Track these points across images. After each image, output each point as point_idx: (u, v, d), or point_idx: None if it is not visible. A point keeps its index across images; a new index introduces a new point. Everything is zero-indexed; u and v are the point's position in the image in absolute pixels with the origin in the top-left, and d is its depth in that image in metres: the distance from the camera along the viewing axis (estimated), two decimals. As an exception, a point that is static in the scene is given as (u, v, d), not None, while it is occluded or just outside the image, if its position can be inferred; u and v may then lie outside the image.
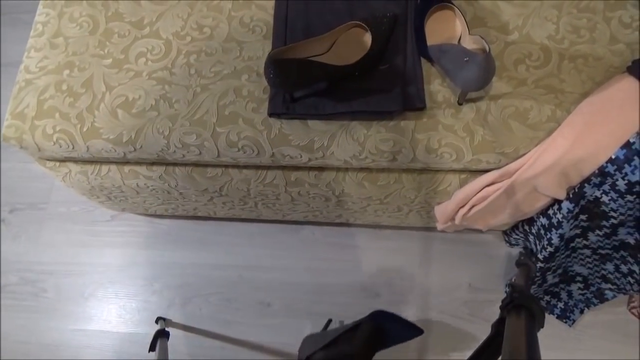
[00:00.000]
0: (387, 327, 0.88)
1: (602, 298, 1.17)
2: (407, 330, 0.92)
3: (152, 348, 1.16)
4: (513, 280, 1.19)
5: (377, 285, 1.32)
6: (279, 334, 1.30)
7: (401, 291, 1.31)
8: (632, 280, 1.05)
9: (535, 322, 0.52)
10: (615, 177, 0.79)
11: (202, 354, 1.31)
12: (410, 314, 1.29)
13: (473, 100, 0.86)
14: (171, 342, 1.23)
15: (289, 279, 1.35)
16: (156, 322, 1.31)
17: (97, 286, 1.40)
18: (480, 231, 1.23)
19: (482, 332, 1.27)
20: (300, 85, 0.85)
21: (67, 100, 0.92)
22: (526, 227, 1.08)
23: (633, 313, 1.23)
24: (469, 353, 0.55)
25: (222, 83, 0.90)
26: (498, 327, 0.50)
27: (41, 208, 1.49)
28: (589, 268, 1.09)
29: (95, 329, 1.36)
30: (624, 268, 1.04)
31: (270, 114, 0.87)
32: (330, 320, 1.17)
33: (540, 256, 1.01)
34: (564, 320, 1.22)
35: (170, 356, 0.92)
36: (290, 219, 1.27)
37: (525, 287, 0.89)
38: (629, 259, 1.00)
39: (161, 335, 1.20)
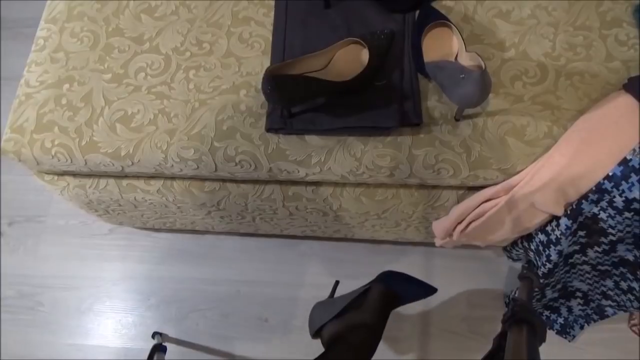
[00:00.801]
0: (397, 288, 0.87)
1: (602, 314, 1.16)
2: (419, 289, 0.90)
3: (149, 362, 1.15)
4: (515, 294, 1.18)
5: (375, 300, 1.31)
6: (276, 350, 1.29)
7: (399, 308, 1.30)
8: (632, 298, 1.04)
9: (536, 337, 0.51)
10: (612, 194, 0.79)
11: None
12: (409, 330, 1.27)
13: (470, 117, 0.86)
14: (167, 358, 1.22)
15: (286, 294, 1.34)
16: (153, 337, 1.30)
17: (94, 300, 1.39)
18: (479, 247, 1.23)
19: (482, 349, 1.25)
20: (297, 101, 0.85)
21: (66, 114, 0.93)
22: (525, 244, 1.08)
23: (634, 331, 1.22)
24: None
25: (220, 98, 0.91)
26: (500, 341, 0.50)
27: (40, 221, 1.49)
28: (588, 284, 1.09)
29: (91, 343, 1.35)
30: (623, 285, 1.03)
31: (268, 129, 0.87)
32: (337, 282, 1.12)
33: (539, 272, 1.01)
34: (564, 336, 1.21)
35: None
36: (288, 234, 1.27)
37: (527, 301, 0.88)
38: (629, 275, 1.00)
39: (157, 350, 1.19)
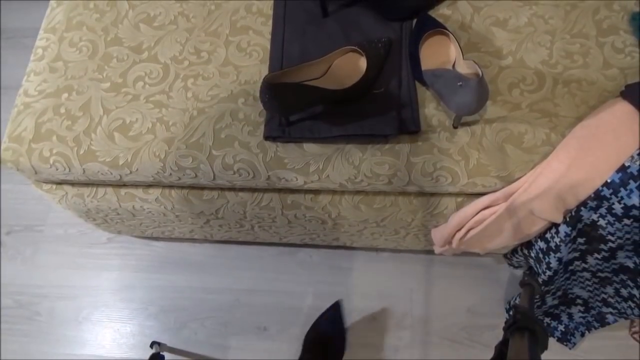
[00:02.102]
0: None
1: (603, 322, 1.15)
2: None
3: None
4: (516, 301, 1.18)
5: (374, 308, 1.31)
6: (275, 357, 1.28)
7: (399, 315, 1.29)
8: (632, 305, 1.04)
9: (538, 344, 0.51)
10: (611, 201, 0.79)
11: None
12: (408, 338, 1.27)
13: (468, 124, 0.86)
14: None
15: (286, 302, 1.33)
16: (151, 346, 1.30)
17: (92, 310, 1.38)
18: (479, 254, 1.22)
19: (483, 357, 1.25)
20: (295, 109, 0.85)
21: (64, 124, 0.93)
22: (525, 251, 1.08)
23: (635, 338, 1.21)
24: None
25: (218, 106, 0.91)
26: (501, 349, 0.49)
27: (38, 230, 1.49)
28: (589, 291, 1.08)
29: (88, 353, 1.34)
30: (624, 292, 1.03)
31: (266, 137, 0.87)
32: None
33: (540, 279, 1.00)
34: (565, 343, 1.20)
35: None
36: (287, 242, 1.27)
37: (528, 308, 0.88)
38: (629, 282, 0.99)
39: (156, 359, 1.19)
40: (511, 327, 0.54)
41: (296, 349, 1.26)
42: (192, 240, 1.37)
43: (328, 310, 1.21)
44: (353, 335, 1.28)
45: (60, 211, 1.47)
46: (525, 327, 0.53)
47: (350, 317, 1.30)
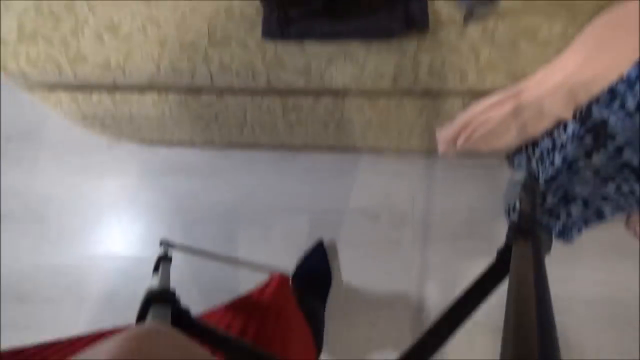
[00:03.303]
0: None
1: (601, 217, 1.17)
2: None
3: (156, 270, 1.19)
4: (516, 204, 1.19)
5: (376, 209, 1.33)
6: (279, 258, 1.33)
7: (401, 214, 1.32)
8: (632, 199, 1.05)
9: (542, 249, 0.51)
10: (625, 97, 0.76)
11: (204, 276, 1.35)
12: (409, 234, 1.31)
13: (479, 18, 0.80)
14: (174, 265, 1.26)
15: (289, 204, 1.36)
16: (160, 245, 1.34)
17: (99, 213, 1.41)
18: (482, 155, 1.22)
19: (481, 250, 1.29)
20: (294, 3, 0.79)
21: (48, 24, 0.87)
22: (530, 150, 1.07)
23: (631, 230, 1.24)
24: (469, 272, 0.54)
25: (212, 3, 0.84)
26: (503, 254, 0.49)
27: (37, 137, 1.47)
28: (590, 189, 1.09)
29: (100, 253, 1.39)
30: (625, 188, 1.03)
31: (264, 35, 0.82)
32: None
33: (541, 179, 1.00)
34: (562, 239, 1.24)
35: (173, 278, 0.94)
36: (289, 146, 1.26)
37: (531, 212, 0.89)
38: (631, 178, 1.00)
39: (164, 258, 1.23)
40: (515, 232, 0.54)
41: (299, 248, 1.31)
42: (193, 144, 1.36)
43: (312, 249, 1.27)
44: (355, 235, 1.32)
45: (57, 118, 1.44)
46: (530, 232, 0.53)
47: (353, 217, 1.33)
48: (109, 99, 0.99)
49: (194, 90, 0.96)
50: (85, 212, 1.42)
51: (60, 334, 0.62)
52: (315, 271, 1.24)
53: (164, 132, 1.19)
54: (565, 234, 1.23)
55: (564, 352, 0.34)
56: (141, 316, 0.42)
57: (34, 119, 1.49)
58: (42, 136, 1.47)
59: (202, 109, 0.98)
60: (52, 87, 0.98)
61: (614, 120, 0.81)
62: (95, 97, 0.99)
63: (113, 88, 0.96)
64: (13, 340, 1.27)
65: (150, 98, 0.98)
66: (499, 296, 0.48)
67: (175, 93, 0.96)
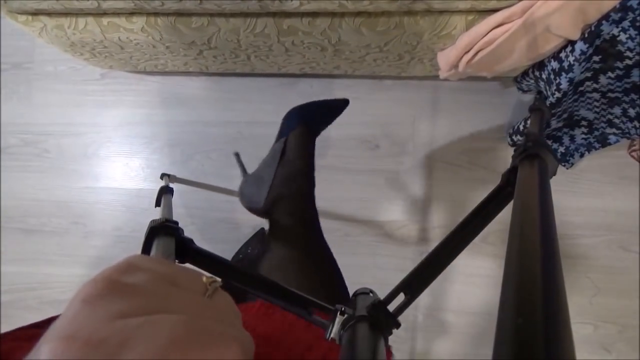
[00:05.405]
0: (308, 121, 0.89)
1: (604, 142, 1.16)
2: (329, 109, 0.97)
3: (157, 203, 1.19)
4: (520, 126, 1.17)
5: (376, 136, 1.31)
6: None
7: (401, 142, 1.31)
8: (637, 124, 1.03)
9: (548, 172, 0.50)
10: (637, 12, 0.72)
11: (207, 207, 1.36)
12: (409, 163, 1.30)
13: None
14: (176, 197, 1.27)
15: (288, 133, 1.34)
16: (161, 177, 1.34)
17: (98, 145, 1.40)
18: (485, 78, 1.18)
19: (480, 180, 1.29)
20: None
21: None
22: (537, 73, 1.03)
23: (633, 156, 1.23)
24: (470, 200, 0.54)
25: None
26: (509, 177, 0.48)
27: (27, 67, 1.43)
28: (595, 112, 1.06)
29: (102, 186, 1.40)
30: (631, 112, 1.01)
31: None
32: (237, 155, 1.19)
33: (548, 102, 0.97)
34: (563, 164, 1.23)
35: (175, 210, 0.95)
36: (286, 72, 1.22)
37: (539, 134, 0.86)
38: (639, 102, 0.97)
39: (165, 191, 1.23)
40: (521, 155, 0.52)
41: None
42: (188, 73, 1.32)
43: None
44: (357, 163, 1.31)
45: (45, 46, 1.39)
46: (536, 154, 0.51)
47: (353, 144, 1.32)
48: (96, 25, 0.95)
49: (184, 14, 0.91)
50: (84, 146, 1.41)
51: (68, 265, 0.63)
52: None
53: (157, 60, 1.15)
54: (567, 159, 1.22)
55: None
56: (146, 248, 0.42)
57: (21, 49, 1.44)
58: (31, 67, 1.43)
59: (194, 34, 0.94)
60: (35, 11, 0.93)
61: (625, 38, 0.77)
62: (81, 22, 0.95)
63: (99, 13, 0.92)
64: (22, 275, 1.31)
65: (139, 23, 0.93)
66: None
67: (164, 16, 0.92)
